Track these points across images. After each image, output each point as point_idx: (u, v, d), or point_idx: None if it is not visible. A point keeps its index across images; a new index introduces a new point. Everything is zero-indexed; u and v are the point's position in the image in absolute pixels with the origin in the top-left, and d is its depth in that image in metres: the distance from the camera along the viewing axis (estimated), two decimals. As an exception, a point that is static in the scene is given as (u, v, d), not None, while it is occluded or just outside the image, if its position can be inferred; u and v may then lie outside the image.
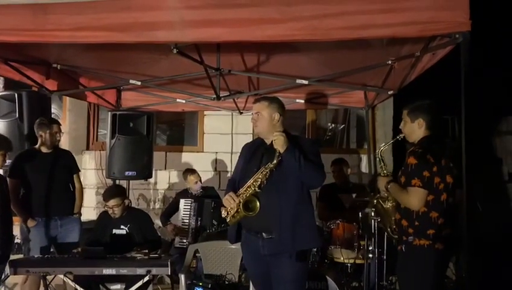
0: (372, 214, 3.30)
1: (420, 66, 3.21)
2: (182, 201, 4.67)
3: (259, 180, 2.64)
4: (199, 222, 4.54)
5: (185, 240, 4.47)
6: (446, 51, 2.65)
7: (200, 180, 4.84)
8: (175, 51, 2.69)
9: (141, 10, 2.43)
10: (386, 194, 2.92)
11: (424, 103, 2.84)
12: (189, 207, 4.61)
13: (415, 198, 2.63)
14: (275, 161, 2.62)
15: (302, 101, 5.10)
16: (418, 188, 2.62)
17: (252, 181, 2.66)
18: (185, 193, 4.86)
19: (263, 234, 2.70)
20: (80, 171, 4.38)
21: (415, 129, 2.80)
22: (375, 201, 2.98)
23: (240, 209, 2.66)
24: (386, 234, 3.07)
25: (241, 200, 2.65)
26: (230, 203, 2.70)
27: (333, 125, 6.63)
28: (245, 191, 2.67)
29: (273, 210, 2.66)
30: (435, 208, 2.65)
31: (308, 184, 2.75)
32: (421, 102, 2.84)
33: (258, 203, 2.63)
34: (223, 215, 2.77)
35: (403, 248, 2.74)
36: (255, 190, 2.64)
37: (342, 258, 3.92)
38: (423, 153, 2.66)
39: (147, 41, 2.50)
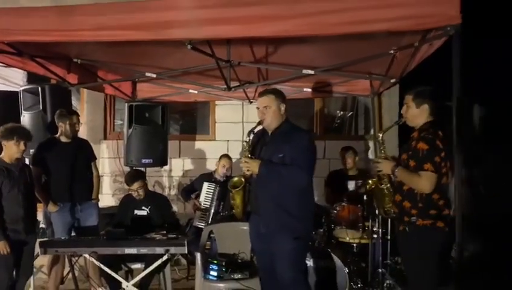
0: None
1: (419, 55, 3.36)
2: (206, 184, 4.74)
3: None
4: (221, 206, 4.65)
5: (203, 223, 4.58)
6: (441, 41, 2.80)
7: (230, 169, 4.86)
8: (189, 46, 2.90)
9: (157, 10, 2.64)
10: (383, 177, 3.07)
11: (427, 89, 2.95)
12: (212, 191, 4.68)
13: (428, 182, 2.74)
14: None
15: (310, 90, 5.25)
16: (431, 173, 2.73)
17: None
18: (209, 176, 4.94)
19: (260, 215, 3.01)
20: (96, 159, 4.62)
21: (419, 114, 2.91)
22: (370, 182, 3.14)
23: (233, 193, 3.00)
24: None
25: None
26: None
27: (342, 112, 6.78)
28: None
29: (261, 198, 2.98)
30: (436, 191, 2.80)
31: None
32: (425, 88, 2.95)
33: (242, 179, 2.95)
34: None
35: (406, 228, 2.87)
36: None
37: (347, 238, 4.13)
38: (433, 139, 2.78)
39: (163, 38, 2.71)
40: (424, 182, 2.76)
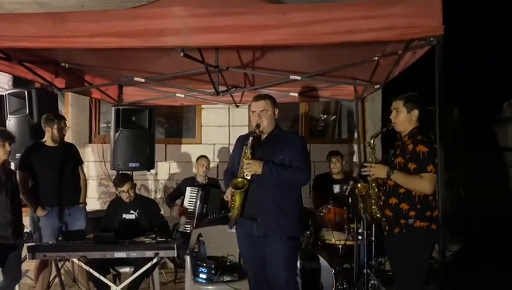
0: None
1: (402, 63, 3.46)
2: (188, 189, 4.85)
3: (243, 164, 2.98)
4: (205, 209, 4.75)
5: (189, 226, 4.67)
6: (424, 50, 2.91)
7: (208, 167, 5.04)
8: (182, 54, 2.94)
9: (150, 18, 2.67)
10: (371, 182, 3.13)
11: (415, 94, 3.01)
12: (195, 195, 4.79)
13: (430, 183, 2.78)
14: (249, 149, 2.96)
15: (296, 94, 5.34)
16: (433, 174, 2.77)
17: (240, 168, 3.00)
18: (191, 181, 5.04)
19: (256, 219, 3.03)
20: (83, 163, 4.63)
21: (409, 119, 2.98)
22: (358, 185, 3.23)
23: (233, 194, 2.97)
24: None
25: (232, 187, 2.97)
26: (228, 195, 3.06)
27: (325, 116, 6.90)
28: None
29: (261, 200, 3.01)
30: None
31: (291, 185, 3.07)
32: (414, 94, 3.01)
33: (245, 181, 2.93)
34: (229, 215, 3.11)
35: (403, 230, 2.88)
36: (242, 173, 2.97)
37: (333, 240, 4.23)
38: (430, 142, 2.85)
39: (156, 46, 2.75)
40: (427, 183, 2.81)
